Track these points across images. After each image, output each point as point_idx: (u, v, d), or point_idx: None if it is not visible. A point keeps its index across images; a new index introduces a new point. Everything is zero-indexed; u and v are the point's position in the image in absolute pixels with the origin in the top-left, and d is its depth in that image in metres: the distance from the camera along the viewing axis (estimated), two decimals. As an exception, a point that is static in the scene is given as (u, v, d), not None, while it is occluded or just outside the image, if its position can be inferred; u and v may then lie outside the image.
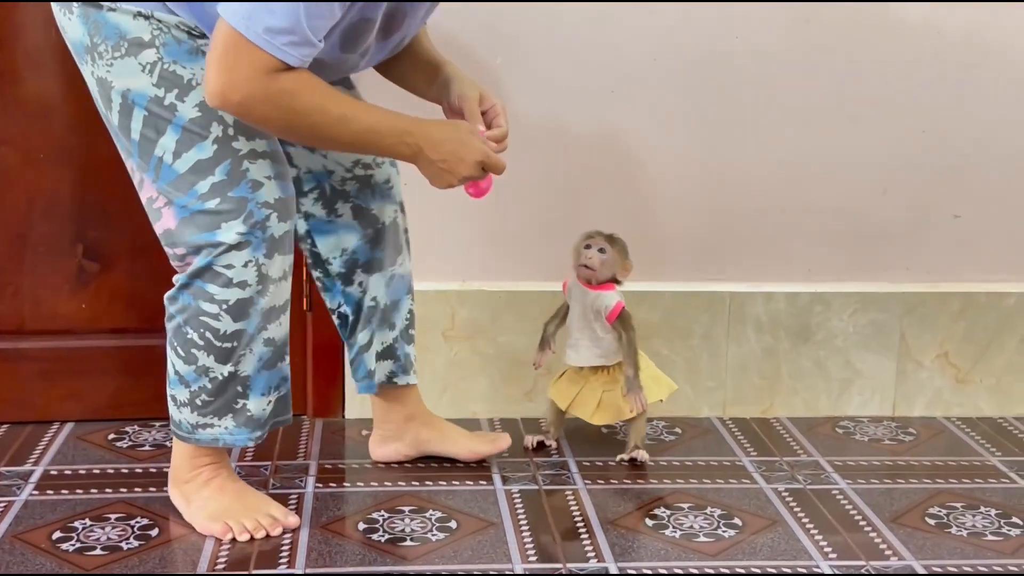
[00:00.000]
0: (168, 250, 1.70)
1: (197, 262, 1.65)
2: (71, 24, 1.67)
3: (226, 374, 1.69)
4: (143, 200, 1.70)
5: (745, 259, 2.30)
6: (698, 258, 2.29)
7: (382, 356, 2.00)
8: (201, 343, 1.68)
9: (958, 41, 2.23)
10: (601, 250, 2.00)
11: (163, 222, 1.68)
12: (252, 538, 1.74)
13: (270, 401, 1.76)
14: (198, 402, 1.71)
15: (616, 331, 2.02)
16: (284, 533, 1.76)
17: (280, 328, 1.74)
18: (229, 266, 1.64)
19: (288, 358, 1.77)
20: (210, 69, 1.53)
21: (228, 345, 1.68)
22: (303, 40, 1.53)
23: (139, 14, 1.62)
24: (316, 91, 1.58)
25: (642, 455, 2.06)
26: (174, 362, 1.71)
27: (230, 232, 1.63)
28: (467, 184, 1.72)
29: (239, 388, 1.71)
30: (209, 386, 1.70)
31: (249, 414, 1.73)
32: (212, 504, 1.77)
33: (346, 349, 2.04)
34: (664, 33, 2.19)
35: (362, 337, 1.99)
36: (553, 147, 2.23)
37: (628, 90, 2.22)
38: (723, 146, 2.25)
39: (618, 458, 2.08)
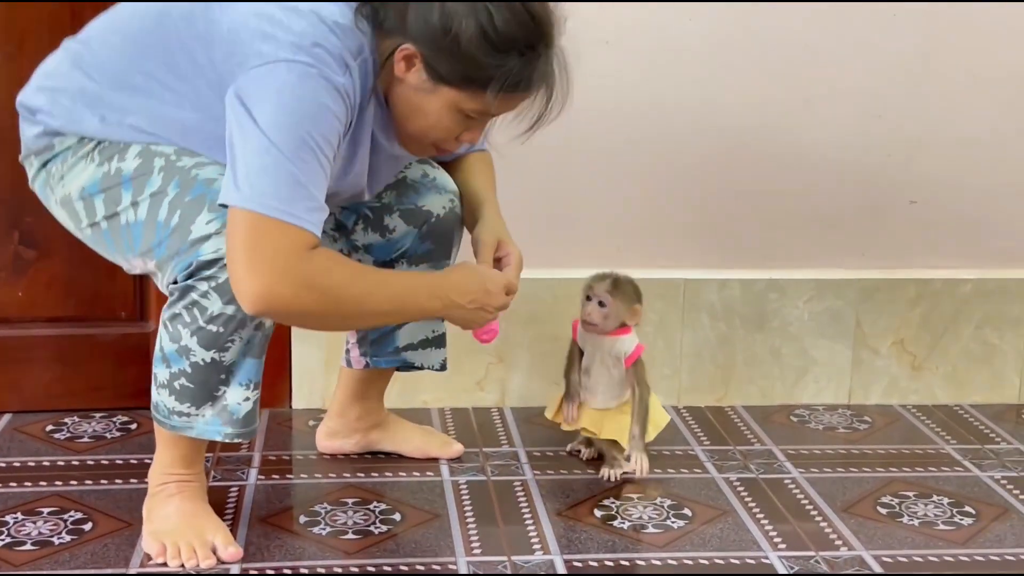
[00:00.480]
0: (166, 291, 1.60)
1: (191, 263, 1.54)
2: (34, 171, 1.67)
3: (208, 360, 1.58)
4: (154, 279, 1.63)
5: (699, 245, 2.27)
6: (651, 244, 2.26)
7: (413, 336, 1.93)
8: (188, 319, 1.56)
9: (913, 24, 2.20)
10: (601, 303, 1.88)
11: (151, 269, 1.60)
12: (183, 565, 1.62)
13: (247, 398, 1.61)
14: (176, 386, 1.59)
15: (629, 378, 1.91)
16: (221, 564, 1.64)
17: None
18: (217, 250, 1.52)
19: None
20: (238, 271, 1.44)
21: (214, 328, 1.56)
22: (319, 204, 1.47)
23: (82, 138, 1.62)
24: (344, 263, 1.54)
25: (613, 473, 1.93)
26: (161, 337, 1.60)
27: (200, 225, 1.52)
28: (476, 331, 1.70)
29: (221, 376, 1.59)
30: (189, 370, 1.58)
31: (225, 404, 1.61)
32: (162, 522, 1.67)
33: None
34: (612, 10, 2.14)
35: None
36: (502, 131, 2.18)
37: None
38: (675, 130, 2.21)
39: (611, 475, 1.95)
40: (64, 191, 1.62)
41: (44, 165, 1.64)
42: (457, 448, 2.03)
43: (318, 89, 1.45)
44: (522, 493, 1.90)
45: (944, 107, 2.25)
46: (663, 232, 2.26)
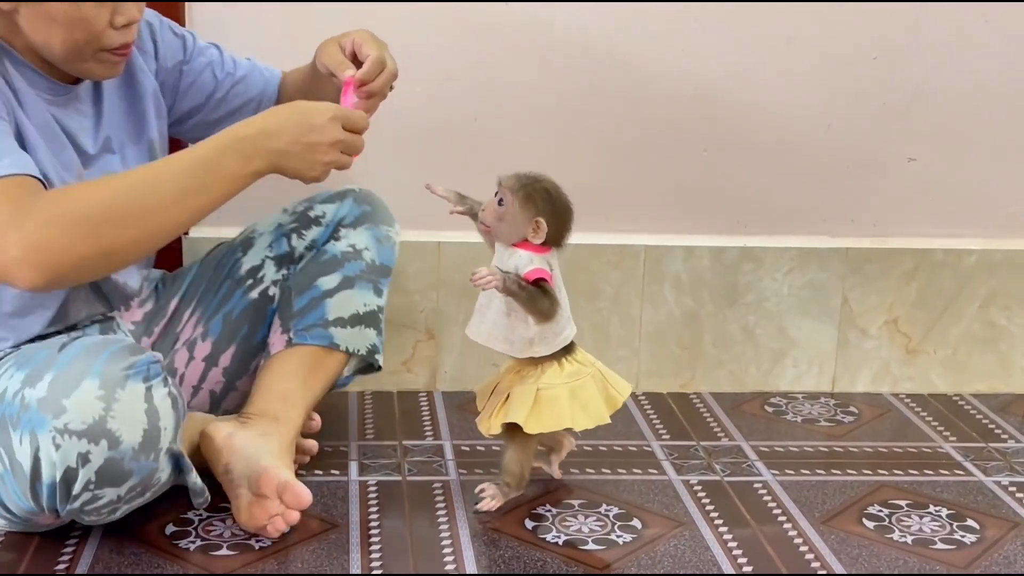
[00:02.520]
0: None
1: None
2: None
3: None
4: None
5: (663, 206, 2.02)
6: (607, 205, 2.00)
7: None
8: None
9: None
10: (500, 202, 1.53)
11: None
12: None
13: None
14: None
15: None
16: None
17: None
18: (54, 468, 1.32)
19: None
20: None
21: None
22: (24, 155, 1.32)
23: None
24: (97, 182, 1.34)
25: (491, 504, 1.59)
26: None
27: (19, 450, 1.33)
28: None
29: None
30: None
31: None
32: None
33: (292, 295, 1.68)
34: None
35: (327, 282, 1.66)
36: (434, 80, 1.91)
37: (524, 8, 1.89)
38: (634, 74, 1.94)
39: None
40: None
41: None
42: (310, 446, 1.69)
43: None
44: (442, 498, 1.61)
45: (949, 49, 2.00)
46: (620, 191, 2.01)
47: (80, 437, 1.28)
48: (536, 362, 1.55)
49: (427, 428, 1.85)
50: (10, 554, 1.42)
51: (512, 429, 1.55)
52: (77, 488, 1.30)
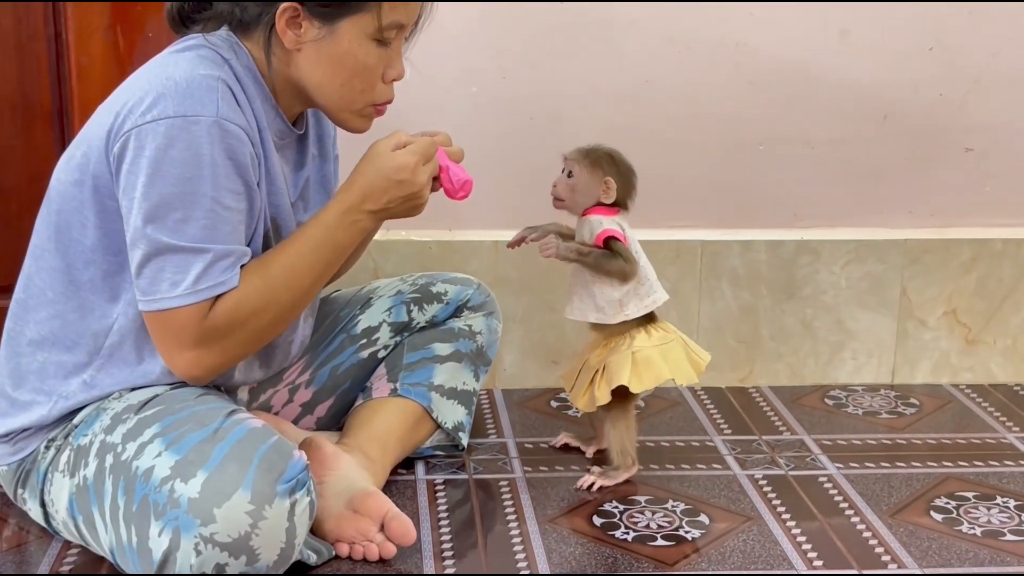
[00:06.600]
0: None
1: None
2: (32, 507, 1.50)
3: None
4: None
5: (719, 201, 2.01)
6: (663, 201, 1.99)
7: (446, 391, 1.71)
8: None
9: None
10: (570, 174, 1.61)
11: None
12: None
13: None
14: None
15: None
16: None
17: None
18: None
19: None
20: (165, 358, 1.40)
21: None
22: (217, 255, 1.34)
23: (50, 441, 1.45)
24: (244, 287, 1.37)
25: (595, 481, 1.64)
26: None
27: (155, 541, 1.30)
28: (448, 194, 1.50)
29: None
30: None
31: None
32: None
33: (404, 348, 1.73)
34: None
35: (441, 348, 1.71)
36: (490, 80, 1.92)
37: (579, 7, 1.89)
38: (690, 68, 1.94)
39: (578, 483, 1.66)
40: (54, 513, 1.46)
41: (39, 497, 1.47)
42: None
43: (191, 142, 1.32)
44: (508, 495, 1.62)
45: (1006, 38, 1.97)
46: (677, 186, 2.00)
47: (223, 550, 1.26)
48: (624, 332, 1.60)
49: (490, 426, 1.86)
50: (90, 556, 1.45)
51: (609, 403, 1.59)
52: None
